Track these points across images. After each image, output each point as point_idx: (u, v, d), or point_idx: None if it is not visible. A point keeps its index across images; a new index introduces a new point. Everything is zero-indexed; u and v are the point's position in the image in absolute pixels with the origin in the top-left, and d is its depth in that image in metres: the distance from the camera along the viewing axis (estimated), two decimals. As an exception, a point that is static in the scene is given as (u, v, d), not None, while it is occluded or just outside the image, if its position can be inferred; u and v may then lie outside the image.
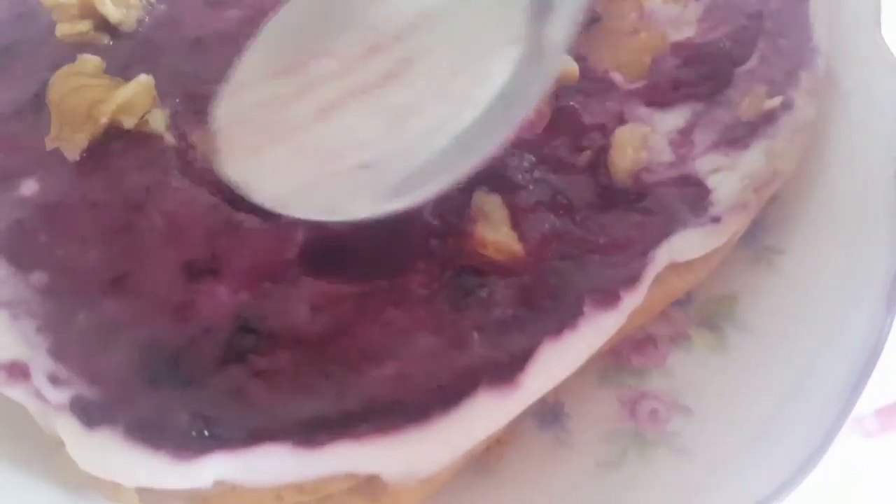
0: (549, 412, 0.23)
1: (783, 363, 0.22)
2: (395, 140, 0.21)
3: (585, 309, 0.20)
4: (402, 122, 0.21)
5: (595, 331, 0.20)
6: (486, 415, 0.20)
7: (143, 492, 0.20)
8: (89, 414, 0.19)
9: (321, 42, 0.22)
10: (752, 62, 0.24)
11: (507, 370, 0.20)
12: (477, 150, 0.20)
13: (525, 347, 0.20)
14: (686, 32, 0.25)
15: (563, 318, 0.20)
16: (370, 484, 0.20)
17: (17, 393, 0.20)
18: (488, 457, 0.22)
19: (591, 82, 0.24)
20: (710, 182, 0.23)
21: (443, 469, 0.20)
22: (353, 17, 0.22)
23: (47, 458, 0.20)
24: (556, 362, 0.20)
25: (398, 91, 0.21)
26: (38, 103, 0.23)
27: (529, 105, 0.21)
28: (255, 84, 0.22)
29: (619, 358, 0.23)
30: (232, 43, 0.24)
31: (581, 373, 0.21)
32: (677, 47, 0.25)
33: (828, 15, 0.25)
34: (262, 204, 0.21)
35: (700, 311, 0.24)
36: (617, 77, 0.25)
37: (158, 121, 0.22)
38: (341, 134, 0.21)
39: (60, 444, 0.20)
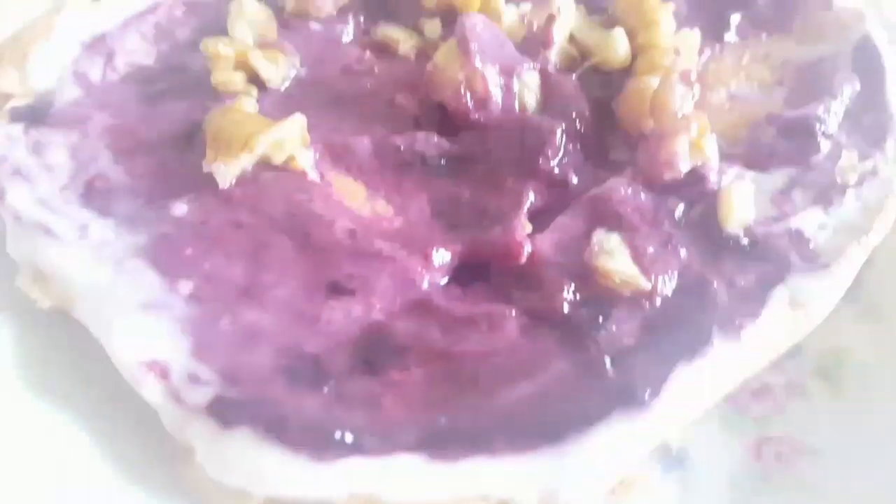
0: (673, 457, 0.22)
1: None
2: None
3: (714, 340, 0.21)
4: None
5: (722, 361, 0.21)
6: (619, 440, 0.19)
7: (270, 505, 0.19)
8: (228, 414, 0.19)
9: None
10: (838, 133, 0.26)
11: (640, 396, 0.20)
12: None
13: (658, 374, 0.20)
14: (776, 108, 0.27)
15: (693, 347, 0.21)
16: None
17: (154, 394, 0.20)
18: (615, 498, 0.21)
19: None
20: (813, 234, 0.24)
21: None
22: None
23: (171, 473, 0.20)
24: (686, 390, 0.20)
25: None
26: (189, 139, 0.25)
27: None
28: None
29: (739, 406, 0.23)
30: (365, 103, 0.26)
31: (703, 421, 0.22)
32: (770, 119, 0.27)
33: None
34: None
35: (813, 361, 0.24)
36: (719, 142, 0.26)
37: (306, 159, 0.24)
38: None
39: (188, 456, 0.20)
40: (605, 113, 0.26)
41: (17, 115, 0.25)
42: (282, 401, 0.19)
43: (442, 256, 0.23)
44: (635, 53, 0.27)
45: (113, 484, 0.20)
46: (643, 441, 0.20)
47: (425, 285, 0.22)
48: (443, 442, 0.19)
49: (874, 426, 0.22)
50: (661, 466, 0.22)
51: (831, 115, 0.27)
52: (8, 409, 0.21)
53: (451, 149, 0.25)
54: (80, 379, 0.22)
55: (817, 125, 0.26)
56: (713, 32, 0.29)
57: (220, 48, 0.26)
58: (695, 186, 0.24)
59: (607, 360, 0.20)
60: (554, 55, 0.27)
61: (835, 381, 0.23)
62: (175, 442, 0.20)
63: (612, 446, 0.19)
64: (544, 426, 0.19)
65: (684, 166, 0.24)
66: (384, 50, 0.28)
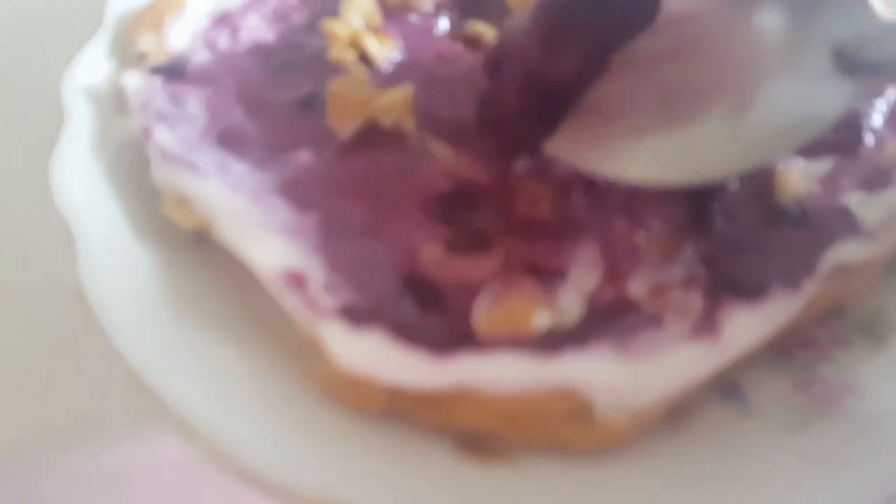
0: (730, 389, 0.25)
1: None
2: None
3: (773, 286, 0.24)
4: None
5: (782, 306, 0.24)
6: (690, 356, 0.22)
7: (390, 401, 0.22)
8: (357, 317, 0.22)
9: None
10: (882, 127, 0.30)
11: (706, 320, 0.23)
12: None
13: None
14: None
15: (753, 288, 0.24)
16: (584, 413, 0.22)
17: (291, 299, 0.23)
18: (678, 419, 0.24)
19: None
20: (858, 211, 0.27)
21: (647, 409, 0.22)
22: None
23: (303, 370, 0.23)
24: (752, 321, 0.23)
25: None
26: (309, 102, 0.28)
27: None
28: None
29: (787, 354, 0.26)
30: (456, 86, 0.30)
31: (753, 362, 0.25)
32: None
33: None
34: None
35: (857, 319, 0.27)
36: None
37: (410, 124, 0.28)
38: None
39: (318, 355, 0.23)
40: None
41: (157, 70, 0.29)
42: (402, 310, 0.23)
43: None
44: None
45: (254, 384, 0.23)
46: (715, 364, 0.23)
47: None
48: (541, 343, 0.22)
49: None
50: (719, 396, 0.25)
51: (876, 109, 0.30)
52: (158, 323, 0.24)
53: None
54: (220, 294, 0.25)
55: (862, 119, 0.30)
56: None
57: (338, 27, 0.30)
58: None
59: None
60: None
61: (877, 336, 0.26)
62: (306, 342, 0.23)
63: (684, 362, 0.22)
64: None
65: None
66: (473, 42, 0.32)
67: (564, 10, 0.27)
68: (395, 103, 0.27)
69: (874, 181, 0.28)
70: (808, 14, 0.26)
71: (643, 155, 0.26)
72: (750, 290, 0.24)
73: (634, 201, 0.28)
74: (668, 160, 0.25)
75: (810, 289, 0.24)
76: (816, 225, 0.26)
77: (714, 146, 0.25)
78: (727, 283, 0.24)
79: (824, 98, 0.25)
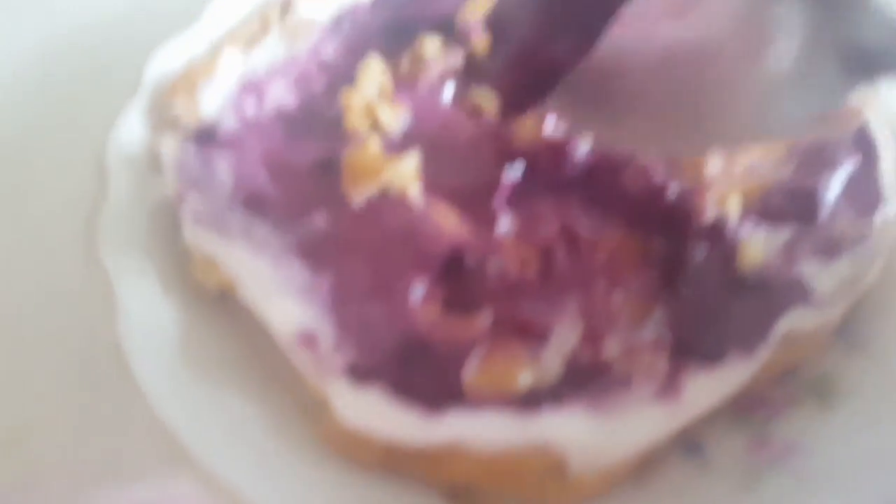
0: (690, 444, 0.28)
1: (879, 422, 0.28)
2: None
3: (730, 352, 0.27)
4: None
5: (737, 370, 0.27)
6: (655, 416, 0.26)
7: (387, 455, 0.25)
8: (362, 376, 0.26)
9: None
10: (837, 201, 0.33)
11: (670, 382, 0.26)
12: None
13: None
14: (785, 178, 0.34)
15: (714, 356, 0.27)
16: (559, 469, 0.26)
17: (302, 357, 0.26)
18: (643, 474, 0.27)
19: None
20: (812, 280, 0.30)
21: (616, 465, 0.26)
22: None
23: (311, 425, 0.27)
24: (710, 384, 0.27)
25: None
26: (326, 166, 0.32)
27: None
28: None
29: (744, 412, 0.29)
30: (460, 151, 0.33)
31: (714, 419, 0.28)
32: (780, 186, 0.33)
33: (892, 174, 0.34)
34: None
35: (808, 383, 0.30)
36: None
37: (416, 189, 0.31)
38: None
39: (325, 410, 0.26)
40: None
41: (190, 136, 0.32)
42: (402, 370, 0.26)
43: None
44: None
45: (265, 434, 0.26)
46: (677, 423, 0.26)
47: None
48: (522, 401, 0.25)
49: (854, 434, 0.28)
50: (680, 452, 0.28)
51: (831, 187, 0.33)
52: (183, 376, 0.27)
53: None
54: (239, 350, 0.28)
55: (819, 194, 0.33)
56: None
57: (354, 98, 0.33)
58: (717, 234, 0.31)
59: None
60: (612, 124, 0.34)
61: (824, 398, 0.29)
62: (314, 397, 0.26)
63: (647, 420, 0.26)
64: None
65: (709, 216, 0.31)
66: (476, 109, 0.35)
67: None
68: (404, 171, 0.31)
69: (828, 251, 0.31)
70: (820, 13, 0.27)
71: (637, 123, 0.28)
72: (709, 354, 0.27)
73: (614, 264, 0.31)
74: (662, 131, 0.28)
75: (763, 354, 0.28)
76: (773, 293, 0.30)
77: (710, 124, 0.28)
78: (689, 348, 0.27)
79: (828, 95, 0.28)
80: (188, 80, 0.34)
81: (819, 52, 0.26)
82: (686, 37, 0.27)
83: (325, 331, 0.27)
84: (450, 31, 0.37)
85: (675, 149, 0.31)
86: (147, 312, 0.28)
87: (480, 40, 0.35)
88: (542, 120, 0.32)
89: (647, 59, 0.27)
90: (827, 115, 0.36)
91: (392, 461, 0.26)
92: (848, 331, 0.31)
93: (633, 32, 0.27)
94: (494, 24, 0.32)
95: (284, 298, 0.27)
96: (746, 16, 0.27)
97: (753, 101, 0.27)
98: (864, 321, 0.31)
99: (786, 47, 0.26)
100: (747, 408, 0.29)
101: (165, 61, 0.35)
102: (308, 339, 0.27)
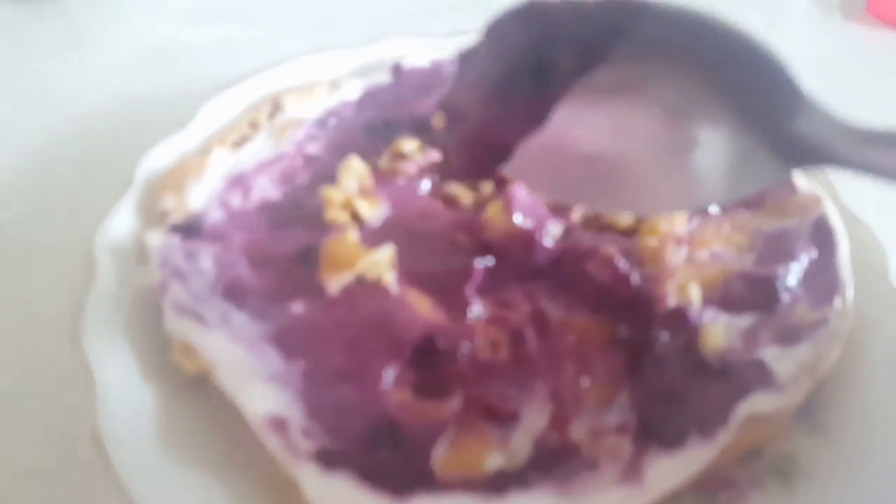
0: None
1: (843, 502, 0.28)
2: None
3: (691, 435, 0.28)
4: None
5: (698, 453, 0.28)
6: (618, 498, 0.26)
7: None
8: (330, 461, 0.26)
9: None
10: (796, 289, 0.34)
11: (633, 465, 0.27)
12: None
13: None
14: (747, 267, 0.36)
15: (675, 441, 0.28)
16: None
17: (273, 442, 0.27)
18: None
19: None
20: (772, 364, 0.31)
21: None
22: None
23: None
24: (669, 471, 0.27)
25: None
26: (305, 257, 0.33)
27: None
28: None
29: (709, 494, 0.30)
30: (435, 240, 0.35)
31: (679, 500, 0.28)
32: (741, 275, 0.35)
33: (849, 262, 0.35)
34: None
35: (771, 464, 0.30)
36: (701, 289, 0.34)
37: (391, 279, 0.32)
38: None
39: (294, 489, 0.26)
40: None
41: (176, 229, 0.34)
42: (370, 456, 0.26)
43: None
44: (639, 220, 0.36)
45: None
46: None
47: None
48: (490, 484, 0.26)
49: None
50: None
51: (791, 275, 0.35)
52: (158, 458, 0.28)
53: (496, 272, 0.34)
54: (213, 433, 0.29)
55: (779, 282, 0.34)
56: (702, 207, 0.38)
57: (333, 193, 0.35)
58: (680, 320, 0.32)
59: None
60: (576, 216, 0.36)
61: (787, 479, 0.30)
62: (285, 479, 0.27)
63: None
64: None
65: (671, 302, 0.32)
66: (450, 201, 0.37)
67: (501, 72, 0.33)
68: (379, 260, 0.32)
69: (788, 337, 0.32)
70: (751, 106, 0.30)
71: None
72: (670, 438, 0.28)
73: (582, 348, 0.32)
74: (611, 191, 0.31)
75: (724, 437, 0.28)
76: (734, 377, 0.31)
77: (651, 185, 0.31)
78: (652, 431, 0.28)
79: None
80: (178, 177, 0.36)
81: (750, 141, 0.29)
82: (609, 147, 0.30)
83: (295, 416, 0.28)
84: (426, 131, 0.40)
85: (616, 208, 0.34)
86: (125, 397, 0.29)
87: (436, 119, 0.38)
88: (511, 213, 0.34)
89: (581, 148, 0.31)
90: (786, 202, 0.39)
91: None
92: (809, 413, 0.32)
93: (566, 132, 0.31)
94: (449, 107, 0.34)
95: (257, 384, 0.28)
96: (666, 127, 0.30)
97: (683, 184, 0.30)
98: (825, 404, 0.32)
99: (712, 141, 0.29)
100: (713, 488, 0.29)
101: (158, 158, 0.37)
102: (278, 424, 0.27)
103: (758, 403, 0.30)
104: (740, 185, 0.29)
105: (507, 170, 0.32)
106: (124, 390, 0.29)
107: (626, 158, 0.30)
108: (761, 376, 0.31)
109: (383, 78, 0.44)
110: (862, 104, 0.35)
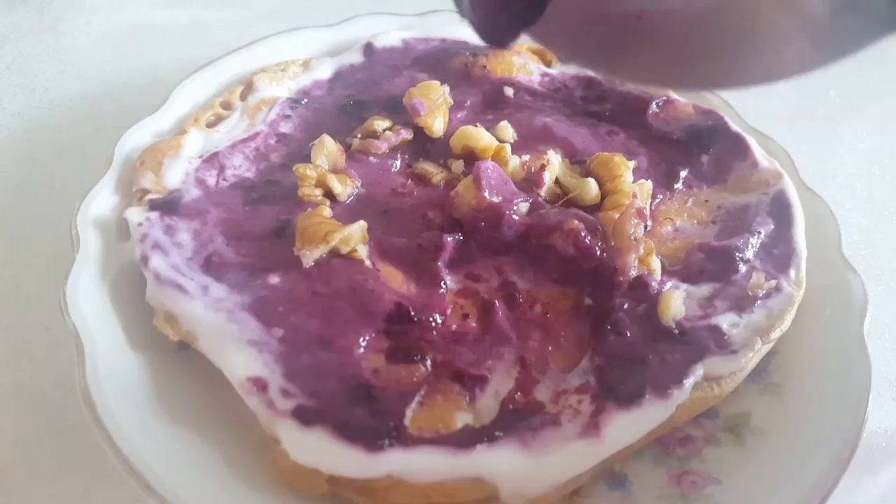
0: (616, 479, 0.30)
1: (785, 456, 0.30)
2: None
3: (647, 395, 0.30)
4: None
5: (653, 412, 0.29)
6: (578, 452, 0.28)
7: (332, 486, 0.27)
8: (307, 418, 0.28)
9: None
10: (753, 260, 0.36)
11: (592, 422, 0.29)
12: None
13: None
14: (708, 239, 0.37)
15: (632, 400, 0.29)
16: (491, 499, 0.27)
17: (254, 401, 0.28)
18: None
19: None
20: (728, 330, 0.33)
21: (543, 495, 0.28)
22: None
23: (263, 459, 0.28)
24: (628, 429, 0.29)
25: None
26: (280, 232, 0.34)
27: None
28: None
29: (667, 449, 0.31)
30: (405, 216, 0.36)
31: (639, 456, 0.30)
32: (702, 247, 0.37)
33: (804, 236, 0.37)
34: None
35: (725, 421, 0.32)
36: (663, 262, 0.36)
37: (363, 252, 0.33)
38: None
39: (275, 446, 0.28)
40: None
41: (155, 206, 0.35)
42: (345, 412, 0.28)
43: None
44: (604, 195, 0.37)
45: (222, 470, 0.28)
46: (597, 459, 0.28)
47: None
48: (458, 440, 0.27)
49: (764, 466, 0.30)
50: (607, 485, 0.30)
51: (749, 247, 0.36)
52: (147, 418, 0.29)
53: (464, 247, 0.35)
54: (198, 395, 0.30)
55: (737, 253, 0.36)
56: (666, 183, 0.40)
57: (306, 171, 0.36)
58: (641, 290, 0.34)
59: None
60: (543, 192, 0.37)
61: (739, 435, 0.32)
62: (266, 436, 0.28)
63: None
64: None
65: (633, 274, 0.34)
66: (421, 179, 0.38)
67: None
68: (352, 236, 0.33)
69: (743, 304, 0.34)
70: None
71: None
72: (627, 398, 0.29)
73: (548, 318, 0.33)
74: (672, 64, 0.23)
75: (679, 398, 0.30)
76: (691, 342, 0.32)
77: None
78: (610, 392, 0.30)
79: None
80: (155, 155, 0.37)
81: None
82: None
83: (274, 378, 0.29)
84: (398, 110, 0.41)
85: (685, 82, 0.28)
86: (112, 362, 0.30)
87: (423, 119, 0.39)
88: (480, 190, 0.36)
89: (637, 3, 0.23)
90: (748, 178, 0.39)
91: (337, 492, 0.27)
92: (762, 374, 0.34)
93: None
94: None
95: (237, 349, 0.30)
96: None
97: (777, 38, 0.23)
98: (777, 366, 0.34)
99: None
100: (671, 445, 0.31)
101: (135, 139, 0.38)
102: (258, 385, 0.29)
103: (713, 366, 0.31)
104: (835, 47, 0.23)
105: (535, 32, 0.23)
106: (112, 356, 0.30)
107: (699, 14, 0.23)
108: (717, 341, 0.32)
109: (355, 57, 0.45)
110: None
